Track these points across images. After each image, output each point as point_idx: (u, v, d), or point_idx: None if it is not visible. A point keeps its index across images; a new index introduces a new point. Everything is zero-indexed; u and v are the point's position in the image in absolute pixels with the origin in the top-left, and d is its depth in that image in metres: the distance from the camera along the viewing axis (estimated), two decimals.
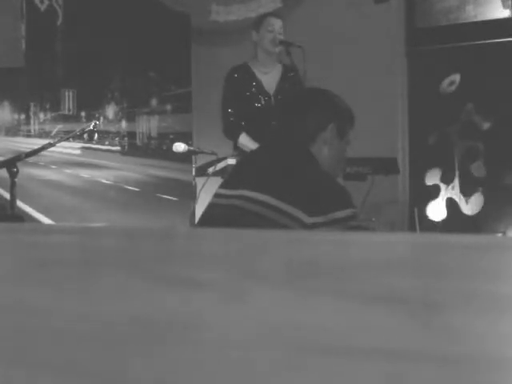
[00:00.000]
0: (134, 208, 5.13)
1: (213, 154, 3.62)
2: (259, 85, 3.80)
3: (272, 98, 3.78)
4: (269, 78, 3.83)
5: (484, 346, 0.31)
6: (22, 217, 3.87)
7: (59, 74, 5.27)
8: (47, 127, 5.32)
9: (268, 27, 3.81)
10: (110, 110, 5.29)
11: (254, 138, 3.60)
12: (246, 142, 3.63)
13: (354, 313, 0.37)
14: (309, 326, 0.34)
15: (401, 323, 0.35)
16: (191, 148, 3.79)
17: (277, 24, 3.84)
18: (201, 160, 3.77)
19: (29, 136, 5.30)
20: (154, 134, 5.30)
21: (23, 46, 5.18)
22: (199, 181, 3.63)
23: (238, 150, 3.67)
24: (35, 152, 3.48)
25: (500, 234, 4.21)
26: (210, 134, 4.62)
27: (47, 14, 5.25)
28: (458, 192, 4.55)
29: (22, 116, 5.32)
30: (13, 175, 3.25)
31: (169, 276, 0.51)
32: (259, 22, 3.89)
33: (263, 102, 3.77)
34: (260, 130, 3.61)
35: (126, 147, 5.31)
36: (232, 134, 3.72)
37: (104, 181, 5.24)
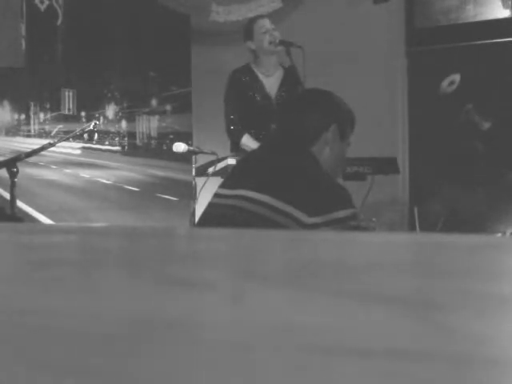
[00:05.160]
0: (134, 208, 5.13)
1: (213, 154, 3.62)
2: (261, 87, 3.81)
3: (273, 100, 3.79)
4: (271, 80, 3.83)
5: (483, 346, 0.31)
6: (22, 218, 3.87)
7: (59, 74, 5.27)
8: (47, 127, 5.31)
9: (261, 30, 3.80)
10: (110, 110, 5.29)
11: (257, 140, 3.62)
12: (249, 143, 3.64)
13: (354, 313, 0.37)
14: (309, 325, 0.34)
15: (401, 323, 0.35)
16: (191, 148, 3.78)
17: (266, 23, 3.83)
18: (201, 160, 3.77)
19: (29, 136, 5.29)
20: (153, 134, 5.30)
21: (23, 46, 5.17)
22: (199, 181, 3.63)
23: (235, 151, 3.68)
24: (35, 152, 3.48)
25: (500, 234, 4.21)
26: (210, 134, 4.62)
27: (47, 14, 5.24)
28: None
29: (22, 116, 5.31)
30: (13, 175, 3.24)
31: (169, 276, 0.51)
32: (249, 29, 3.86)
33: (264, 105, 3.77)
34: (262, 132, 3.62)
35: (126, 147, 5.30)
36: (235, 135, 3.73)
37: (104, 181, 5.23)
